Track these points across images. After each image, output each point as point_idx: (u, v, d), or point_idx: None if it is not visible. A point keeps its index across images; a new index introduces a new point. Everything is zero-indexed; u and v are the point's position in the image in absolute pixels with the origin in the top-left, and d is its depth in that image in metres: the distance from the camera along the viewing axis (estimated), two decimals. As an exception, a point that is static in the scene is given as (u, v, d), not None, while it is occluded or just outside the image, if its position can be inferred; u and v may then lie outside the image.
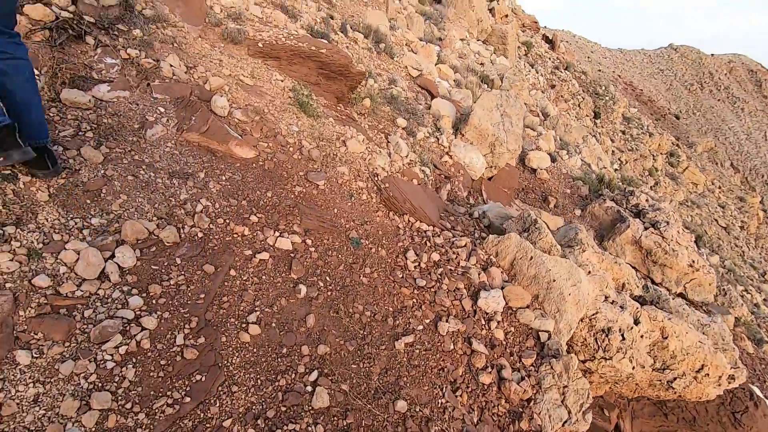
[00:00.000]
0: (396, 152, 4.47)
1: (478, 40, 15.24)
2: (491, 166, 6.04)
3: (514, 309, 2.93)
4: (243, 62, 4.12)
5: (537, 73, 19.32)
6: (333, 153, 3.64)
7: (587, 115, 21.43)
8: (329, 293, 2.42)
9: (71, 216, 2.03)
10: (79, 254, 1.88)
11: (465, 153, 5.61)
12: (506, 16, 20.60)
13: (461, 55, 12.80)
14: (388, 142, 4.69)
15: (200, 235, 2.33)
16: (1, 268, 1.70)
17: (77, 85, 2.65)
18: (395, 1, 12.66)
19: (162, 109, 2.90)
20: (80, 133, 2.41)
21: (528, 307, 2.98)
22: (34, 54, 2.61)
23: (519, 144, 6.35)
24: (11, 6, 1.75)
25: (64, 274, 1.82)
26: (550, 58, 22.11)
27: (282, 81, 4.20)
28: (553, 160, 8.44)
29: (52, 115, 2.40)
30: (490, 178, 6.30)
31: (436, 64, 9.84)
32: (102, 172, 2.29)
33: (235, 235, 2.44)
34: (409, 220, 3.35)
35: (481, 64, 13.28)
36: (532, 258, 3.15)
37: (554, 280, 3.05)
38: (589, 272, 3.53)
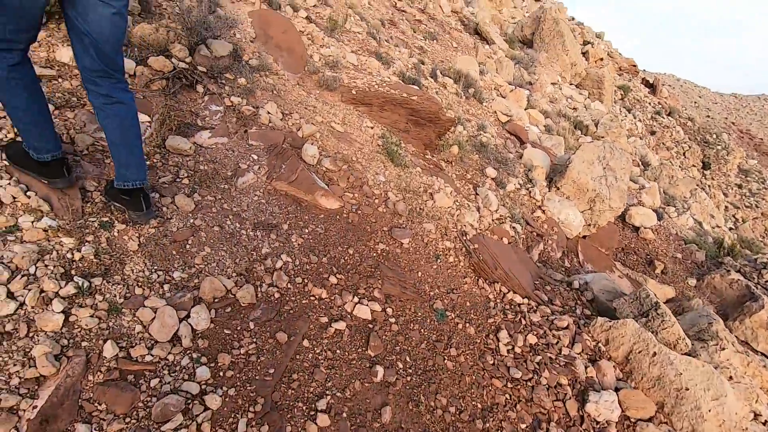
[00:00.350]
0: (485, 206, 4.10)
1: (571, 84, 14.52)
2: (589, 224, 5.37)
3: (633, 421, 2.33)
4: (336, 109, 4.11)
5: (635, 118, 17.85)
6: (419, 207, 3.38)
7: (694, 165, 19.15)
8: (409, 378, 2.08)
9: (155, 268, 1.96)
10: (155, 312, 1.78)
11: (560, 208, 5.05)
12: (601, 59, 19.56)
13: (552, 99, 12.20)
14: (477, 194, 4.34)
15: (277, 295, 2.16)
16: (80, 324, 1.64)
17: (182, 131, 2.73)
18: (485, 46, 12.58)
19: (255, 157, 2.88)
20: (177, 179, 2.43)
21: (651, 419, 2.36)
22: (149, 102, 2.74)
23: (623, 201, 5.61)
24: (117, 50, 1.75)
25: (138, 334, 1.72)
26: (650, 103, 20.38)
27: (372, 128, 4.11)
28: (659, 217, 7.40)
29: (156, 161, 2.45)
30: (584, 237, 5.60)
31: (525, 109, 9.41)
32: (191, 221, 2.24)
33: (312, 298, 2.24)
34: (500, 290, 2.93)
35: (574, 108, 12.53)
36: (655, 354, 2.54)
37: (687, 389, 2.41)
38: (731, 377, 2.78)
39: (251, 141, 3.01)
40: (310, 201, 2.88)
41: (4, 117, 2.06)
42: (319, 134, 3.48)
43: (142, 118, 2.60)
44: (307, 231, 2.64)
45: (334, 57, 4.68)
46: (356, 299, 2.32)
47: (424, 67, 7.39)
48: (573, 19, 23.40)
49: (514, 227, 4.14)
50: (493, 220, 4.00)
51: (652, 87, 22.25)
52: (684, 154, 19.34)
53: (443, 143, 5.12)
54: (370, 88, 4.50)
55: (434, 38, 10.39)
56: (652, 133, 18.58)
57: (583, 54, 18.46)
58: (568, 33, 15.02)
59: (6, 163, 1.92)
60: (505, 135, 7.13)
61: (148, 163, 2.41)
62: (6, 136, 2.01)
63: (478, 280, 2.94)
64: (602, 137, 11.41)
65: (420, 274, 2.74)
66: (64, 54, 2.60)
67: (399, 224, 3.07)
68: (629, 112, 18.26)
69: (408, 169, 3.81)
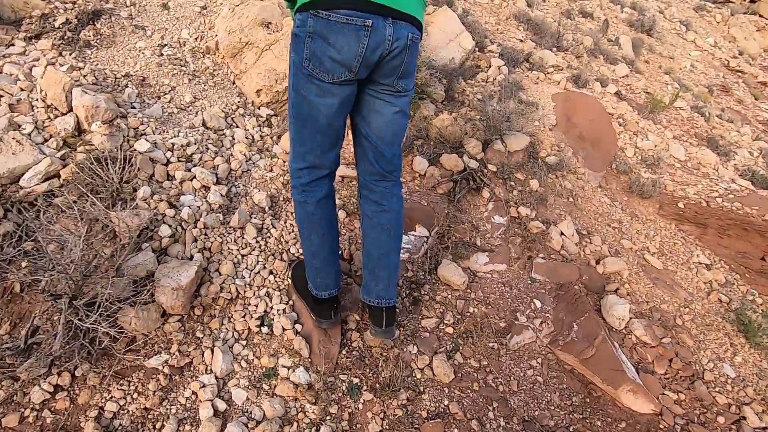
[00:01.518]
0: None
1: None
2: None
3: None
4: (649, 227, 2.89)
5: None
6: (812, 457, 1.82)
7: None
8: None
9: (391, 475, 1.41)
10: None
11: None
12: None
13: None
14: None
15: None
16: None
17: (458, 253, 2.20)
18: None
19: (538, 304, 2.08)
20: (441, 325, 1.88)
21: None
22: (431, 210, 2.36)
23: None
24: (396, 152, 1.50)
25: None
26: None
27: (707, 269, 2.67)
28: None
29: (423, 293, 1.97)
30: None
31: None
32: (446, 403, 1.62)
33: None
34: None
35: None
36: None
37: None
38: None
39: (535, 274, 2.23)
40: (607, 393, 1.85)
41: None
42: (626, 272, 2.39)
43: (422, 231, 2.22)
44: (599, 456, 1.64)
45: (655, 152, 3.43)
46: None
47: (776, 154, 5.00)
48: None
49: None
50: None
51: None
52: None
53: (825, 297, 3.04)
54: (707, 200, 3.05)
55: (788, 108, 7.25)
56: None
57: None
58: None
59: (289, 281, 1.77)
60: None
61: (415, 294, 1.96)
62: (298, 251, 1.88)
63: None
64: None
65: None
66: (369, 150, 2.49)
67: (774, 495, 1.65)
68: None
69: (777, 357, 2.22)
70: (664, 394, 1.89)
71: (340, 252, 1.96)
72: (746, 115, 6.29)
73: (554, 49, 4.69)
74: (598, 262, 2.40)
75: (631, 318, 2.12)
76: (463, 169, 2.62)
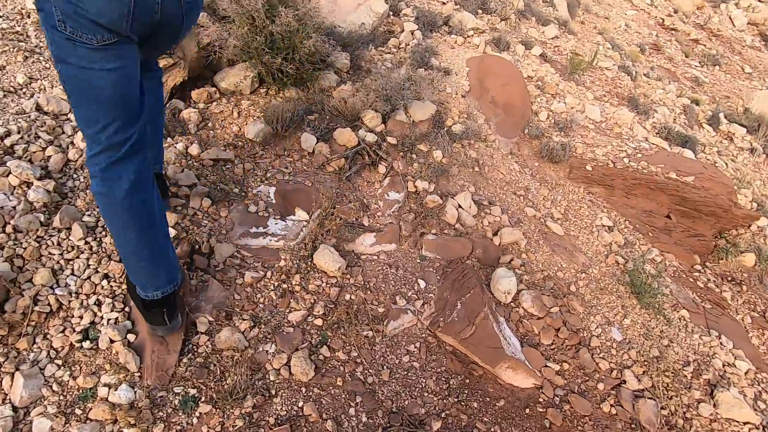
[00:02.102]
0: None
1: None
2: None
3: None
4: (557, 192, 2.75)
5: None
6: (685, 415, 1.77)
7: None
8: None
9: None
10: None
11: None
12: None
13: None
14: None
15: None
16: None
17: (342, 236, 1.99)
18: (802, 71, 8.22)
19: (422, 284, 1.91)
20: (308, 318, 1.68)
21: None
22: (315, 190, 2.11)
23: None
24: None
25: None
26: None
27: (609, 231, 2.57)
28: None
29: (294, 283, 1.76)
30: None
31: None
32: (300, 405, 1.44)
33: None
34: None
35: None
36: None
37: None
38: None
39: (425, 252, 2.05)
40: (488, 370, 1.73)
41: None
42: (524, 242, 2.25)
43: (301, 215, 1.98)
44: (469, 440, 1.52)
45: (567, 113, 3.27)
46: None
47: (698, 108, 4.99)
48: None
49: None
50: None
51: None
52: None
53: (728, 247, 3.04)
54: (614, 161, 2.93)
55: (716, 63, 7.29)
56: None
57: None
58: None
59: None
60: None
61: (284, 285, 1.75)
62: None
63: None
64: None
65: None
66: (252, 129, 2.21)
67: (641, 461, 1.59)
68: None
69: (665, 316, 2.16)
70: (546, 366, 1.79)
71: (197, 246, 1.71)
72: (675, 73, 6.23)
73: (479, 11, 4.39)
74: (495, 234, 2.24)
75: (521, 290, 1.99)
76: (357, 144, 2.37)
